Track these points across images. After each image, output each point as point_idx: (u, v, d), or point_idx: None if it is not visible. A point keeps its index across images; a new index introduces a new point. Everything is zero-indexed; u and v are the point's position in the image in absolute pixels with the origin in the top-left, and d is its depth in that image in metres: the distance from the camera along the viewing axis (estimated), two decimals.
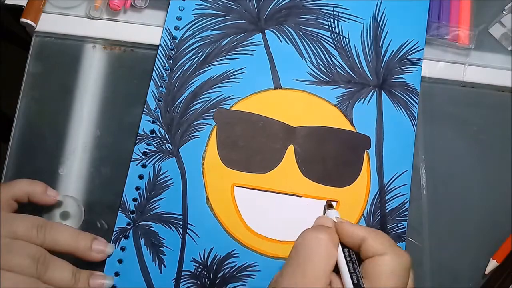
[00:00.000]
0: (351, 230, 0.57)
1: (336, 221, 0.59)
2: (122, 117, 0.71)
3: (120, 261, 0.67)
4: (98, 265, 0.66)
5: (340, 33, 0.75)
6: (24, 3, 0.73)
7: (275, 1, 0.75)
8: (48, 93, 0.72)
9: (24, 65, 0.73)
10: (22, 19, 0.72)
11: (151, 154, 0.69)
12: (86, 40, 0.74)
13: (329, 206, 0.66)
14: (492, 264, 0.72)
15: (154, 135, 0.70)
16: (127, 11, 0.75)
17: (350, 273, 0.54)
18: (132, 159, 0.69)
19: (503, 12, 0.79)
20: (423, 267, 0.72)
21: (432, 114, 0.76)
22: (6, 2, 0.73)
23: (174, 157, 0.69)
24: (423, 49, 0.75)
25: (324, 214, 0.65)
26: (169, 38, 0.73)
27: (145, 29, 0.74)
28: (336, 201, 0.69)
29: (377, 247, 0.55)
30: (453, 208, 0.74)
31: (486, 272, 0.72)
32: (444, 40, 0.77)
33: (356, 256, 0.56)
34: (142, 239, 0.67)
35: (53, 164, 0.70)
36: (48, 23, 0.74)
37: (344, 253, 0.56)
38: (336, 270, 0.55)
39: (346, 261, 0.55)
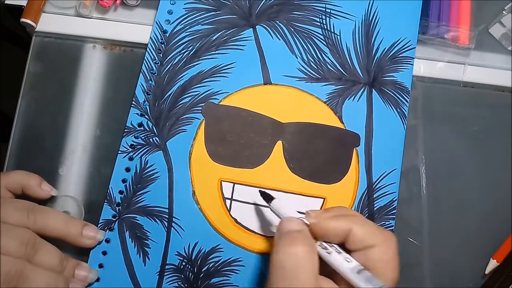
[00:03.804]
0: (332, 226, 0.56)
1: (308, 220, 0.58)
2: (122, 117, 0.71)
3: (104, 253, 0.67)
4: (82, 256, 0.66)
5: (332, 30, 0.74)
6: (24, 3, 0.74)
7: None
8: (48, 93, 0.73)
9: (24, 65, 0.74)
10: (22, 19, 0.73)
11: (138, 147, 0.69)
12: (86, 40, 0.75)
13: (267, 197, 0.65)
14: (492, 264, 0.71)
15: (142, 128, 0.70)
16: (117, 9, 0.75)
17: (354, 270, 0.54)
18: (119, 152, 0.69)
19: (503, 12, 0.77)
20: (423, 267, 0.70)
21: (432, 114, 0.75)
22: (6, 2, 0.74)
23: (161, 151, 0.69)
24: (415, 47, 0.74)
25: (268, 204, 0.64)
26: (159, 31, 0.73)
27: (145, 29, 0.74)
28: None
29: (366, 238, 0.55)
30: (453, 208, 0.73)
31: (486, 272, 0.71)
32: (444, 40, 0.76)
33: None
34: (127, 231, 0.67)
35: (53, 164, 0.71)
36: (48, 23, 0.75)
37: (331, 249, 0.56)
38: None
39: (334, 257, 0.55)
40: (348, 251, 0.56)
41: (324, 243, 0.57)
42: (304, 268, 0.53)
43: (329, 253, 0.56)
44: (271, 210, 0.64)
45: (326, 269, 0.56)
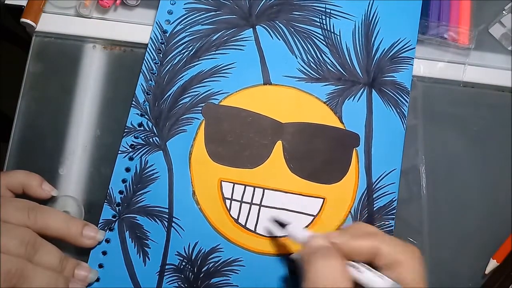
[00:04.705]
0: (359, 245, 0.57)
1: (332, 240, 0.58)
2: (122, 117, 0.71)
3: (104, 253, 0.67)
4: (82, 256, 0.66)
5: (332, 31, 0.74)
6: (24, 3, 0.74)
7: None
8: (48, 93, 0.73)
9: (24, 65, 0.74)
10: (22, 19, 0.73)
11: (138, 147, 0.69)
12: (86, 40, 0.75)
13: (281, 224, 0.66)
14: (492, 264, 0.71)
15: (142, 128, 0.70)
16: (117, 9, 0.75)
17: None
18: (119, 152, 0.69)
19: (503, 12, 0.77)
20: None
21: (432, 114, 0.75)
22: (6, 2, 0.74)
23: (161, 151, 0.69)
24: (414, 48, 0.74)
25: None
26: (159, 31, 0.73)
27: (145, 29, 0.74)
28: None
29: (394, 256, 0.56)
30: (453, 208, 0.73)
31: (486, 272, 0.71)
32: (444, 40, 0.76)
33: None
34: (127, 231, 0.67)
35: (53, 164, 0.71)
36: (48, 23, 0.74)
37: (361, 268, 0.57)
38: None
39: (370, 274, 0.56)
40: (375, 268, 0.57)
41: (351, 262, 0.57)
42: (341, 281, 0.54)
43: (361, 272, 0.56)
44: (289, 237, 0.65)
45: None
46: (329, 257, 0.56)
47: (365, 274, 0.56)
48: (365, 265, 0.57)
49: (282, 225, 0.65)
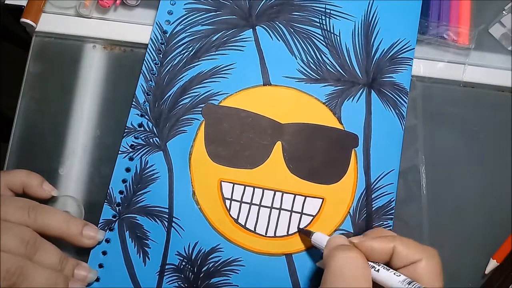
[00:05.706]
0: (377, 245, 0.59)
1: (352, 240, 0.61)
2: (122, 117, 0.71)
3: (104, 253, 0.67)
4: (82, 256, 0.66)
5: (331, 31, 0.74)
6: (24, 3, 0.74)
7: None
8: (48, 93, 0.73)
9: (24, 65, 0.74)
10: (22, 19, 0.73)
11: (138, 147, 0.69)
12: (86, 40, 0.75)
13: (306, 233, 0.68)
14: (492, 264, 0.71)
15: (142, 129, 0.70)
16: (117, 9, 0.75)
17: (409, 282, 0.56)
18: (120, 152, 0.69)
19: (503, 12, 0.77)
20: None
21: (432, 114, 0.75)
22: (6, 2, 0.74)
23: (161, 151, 0.69)
24: (414, 48, 0.74)
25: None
26: (159, 32, 0.73)
27: (145, 29, 0.74)
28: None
29: (411, 255, 0.58)
30: (453, 208, 0.73)
31: (486, 272, 0.71)
32: (444, 40, 0.76)
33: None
34: (127, 231, 0.67)
35: (53, 164, 0.71)
36: (48, 23, 0.74)
37: (378, 267, 0.59)
38: None
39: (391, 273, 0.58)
40: (394, 269, 0.58)
41: (370, 263, 0.59)
42: (361, 274, 0.56)
43: (377, 271, 0.58)
44: (313, 243, 0.66)
45: None
46: (349, 250, 0.58)
47: (381, 272, 0.57)
48: (383, 264, 0.59)
49: (306, 233, 0.67)
